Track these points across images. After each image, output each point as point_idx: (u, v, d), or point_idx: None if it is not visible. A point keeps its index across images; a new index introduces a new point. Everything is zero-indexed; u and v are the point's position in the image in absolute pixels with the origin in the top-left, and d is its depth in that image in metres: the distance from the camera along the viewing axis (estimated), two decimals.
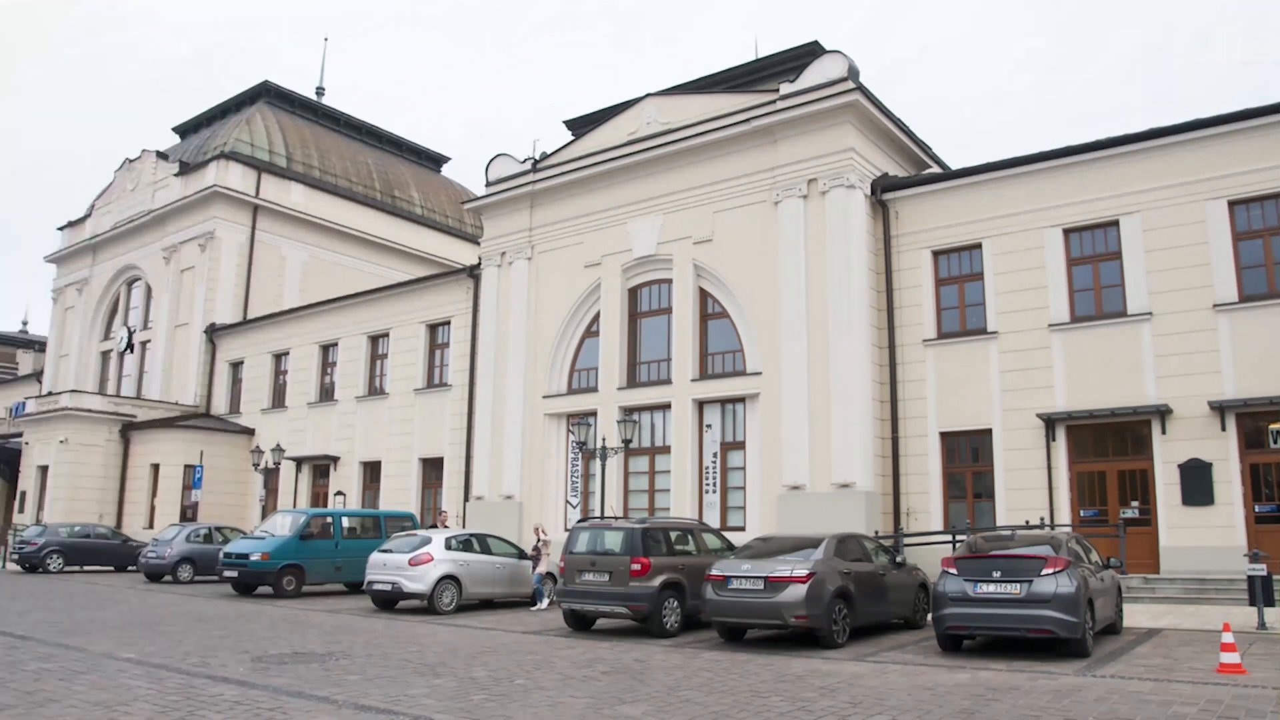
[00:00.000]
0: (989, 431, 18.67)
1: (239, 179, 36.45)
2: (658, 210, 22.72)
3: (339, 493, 28.95)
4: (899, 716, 7.43)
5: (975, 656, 10.91)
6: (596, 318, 23.79)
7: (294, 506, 29.68)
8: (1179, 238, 17.20)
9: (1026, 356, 18.38)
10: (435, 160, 49.58)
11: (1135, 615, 14.18)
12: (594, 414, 22.63)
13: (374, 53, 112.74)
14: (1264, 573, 12.88)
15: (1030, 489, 17.92)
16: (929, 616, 12.36)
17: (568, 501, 23.65)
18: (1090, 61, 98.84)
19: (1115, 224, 17.99)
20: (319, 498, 30.26)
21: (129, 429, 32.78)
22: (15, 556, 26.09)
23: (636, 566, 13.03)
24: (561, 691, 8.53)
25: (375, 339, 30.00)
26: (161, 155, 39.73)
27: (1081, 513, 17.65)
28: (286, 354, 32.83)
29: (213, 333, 35.00)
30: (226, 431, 32.81)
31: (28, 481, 33.78)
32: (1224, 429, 16.38)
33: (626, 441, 19.38)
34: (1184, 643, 11.66)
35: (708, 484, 21.37)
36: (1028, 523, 16.87)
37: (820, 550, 12.19)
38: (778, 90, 21.09)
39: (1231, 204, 16.93)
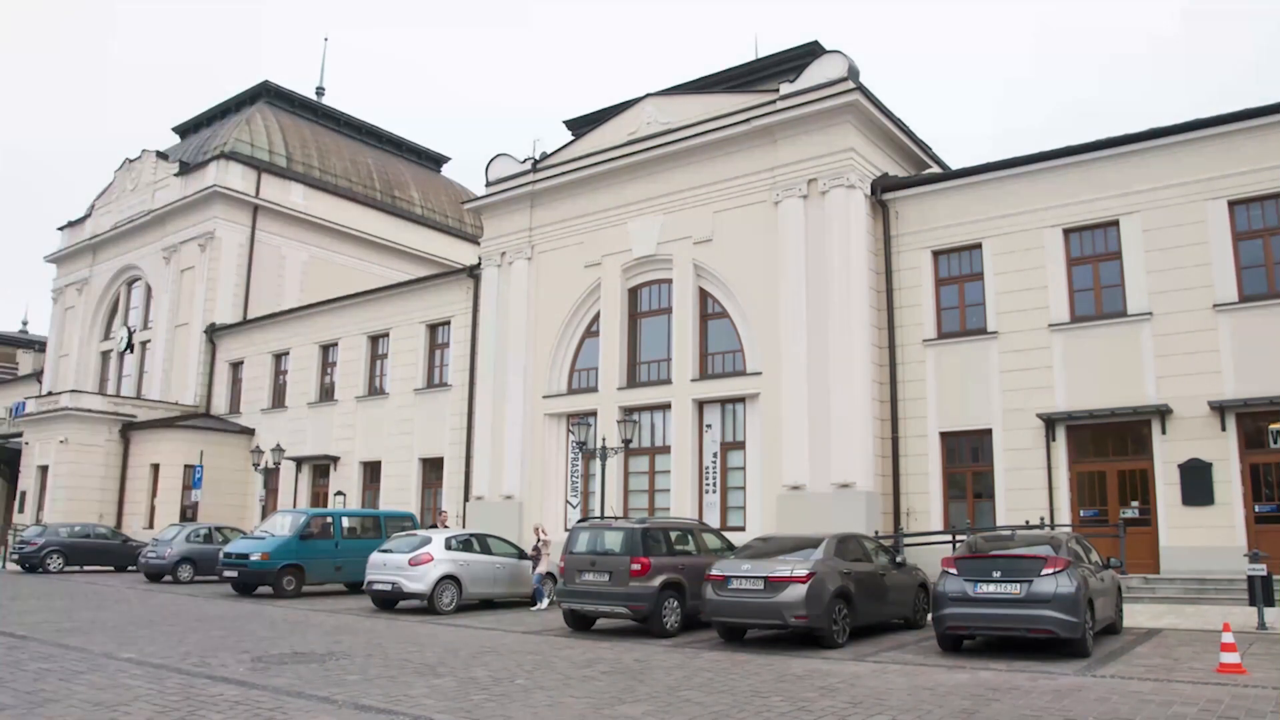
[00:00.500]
0: (989, 431, 18.66)
1: (239, 179, 36.45)
2: (658, 210, 22.71)
3: (339, 493, 28.95)
4: (899, 716, 7.43)
5: (975, 656, 10.91)
6: (596, 318, 23.78)
7: (294, 506, 29.68)
8: (1179, 238, 17.19)
9: (1026, 356, 18.37)
10: (435, 160, 49.58)
11: (1135, 615, 14.18)
12: (594, 414, 22.63)
13: (374, 53, 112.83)
14: (1264, 573, 12.89)
15: (1030, 489, 17.91)
16: (929, 616, 12.36)
17: (568, 501, 23.65)
18: (1090, 62, 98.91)
19: (1115, 224, 17.99)
20: (319, 498, 30.26)
21: (129, 429, 32.77)
22: (15, 556, 26.08)
23: (636, 566, 13.02)
24: (561, 691, 8.53)
25: (375, 339, 30.00)
26: (161, 155, 39.73)
27: (1081, 513, 17.65)
28: (286, 354, 32.83)
29: (213, 333, 35.00)
30: (226, 431, 32.81)
31: (28, 481, 33.77)
32: (1224, 429, 16.37)
33: (626, 441, 19.37)
34: (1184, 643, 11.66)
35: (708, 484, 21.37)
36: (1028, 523, 16.86)
37: (820, 550, 12.19)
38: (778, 90, 21.09)
39: (1231, 204, 16.92)
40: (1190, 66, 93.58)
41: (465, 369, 26.54)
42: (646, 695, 8.39)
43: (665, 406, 22.02)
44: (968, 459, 19.11)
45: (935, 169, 22.71)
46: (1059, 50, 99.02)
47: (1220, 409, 16.34)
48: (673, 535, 14.14)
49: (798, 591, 11.51)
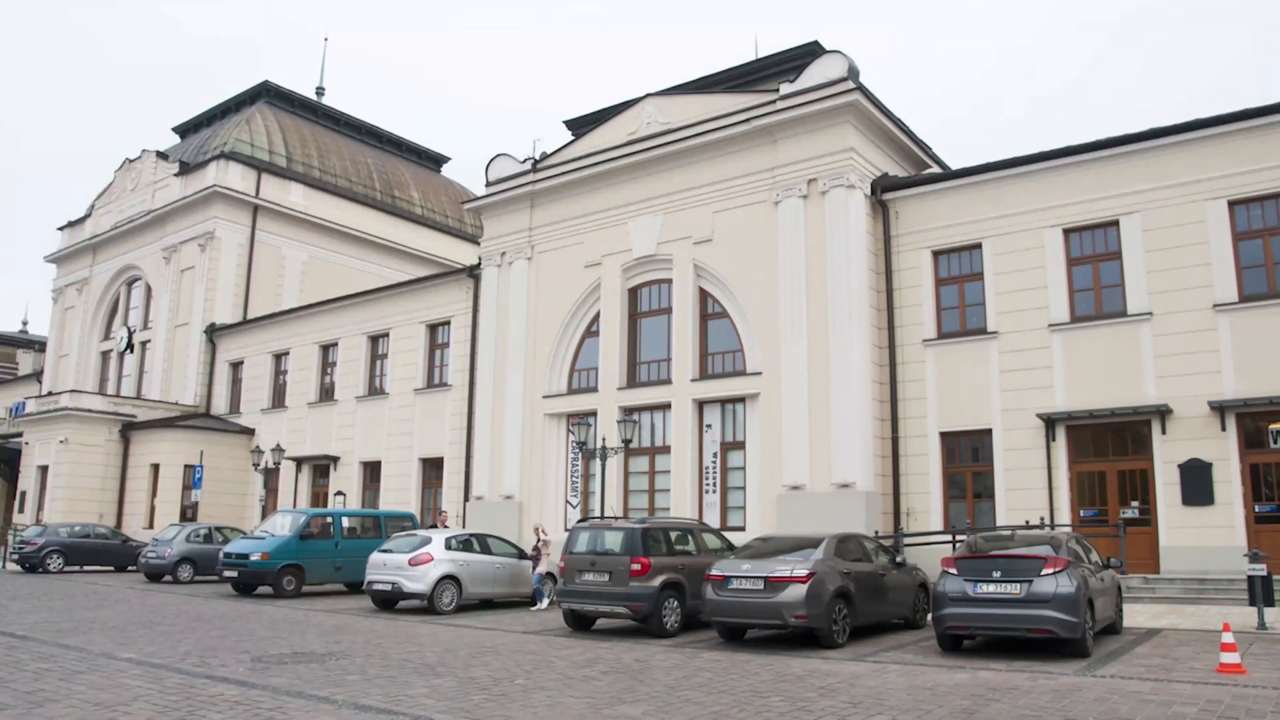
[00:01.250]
0: (989, 431, 18.66)
1: (239, 179, 36.46)
2: (658, 210, 22.71)
3: (339, 493, 28.94)
4: (899, 716, 7.43)
5: (975, 656, 10.90)
6: (596, 318, 23.78)
7: (294, 506, 29.68)
8: (1179, 238, 17.20)
9: (1026, 356, 18.37)
10: (435, 160, 49.59)
11: (1135, 615, 14.18)
12: (594, 414, 22.63)
13: (374, 53, 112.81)
14: (1264, 573, 12.88)
15: (1030, 489, 17.92)
16: (929, 616, 12.36)
17: (568, 501, 23.65)
18: (1092, 62, 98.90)
19: (1115, 224, 17.99)
20: (319, 498, 30.26)
21: (129, 429, 32.78)
22: (15, 556, 26.07)
23: (636, 566, 13.02)
24: (561, 691, 8.53)
25: (375, 339, 30.00)
26: (161, 155, 39.74)
27: (1081, 513, 17.65)
28: (286, 354, 32.83)
29: (213, 333, 35.00)
30: (226, 431, 32.81)
31: (28, 481, 33.78)
32: (1224, 429, 16.37)
33: (626, 441, 19.37)
34: (1184, 643, 11.65)
35: (708, 484, 21.36)
36: (1028, 523, 16.87)
37: (820, 550, 12.18)
38: (778, 90, 21.09)
39: (1231, 204, 16.92)
40: (1188, 67, 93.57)
41: (465, 369, 26.55)
42: (646, 695, 8.39)
43: (665, 406, 22.02)
44: (968, 459, 19.11)
45: (935, 169, 22.71)
46: (1061, 50, 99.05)
47: (1220, 409, 16.34)
48: (673, 535, 14.13)
49: (798, 591, 11.51)
